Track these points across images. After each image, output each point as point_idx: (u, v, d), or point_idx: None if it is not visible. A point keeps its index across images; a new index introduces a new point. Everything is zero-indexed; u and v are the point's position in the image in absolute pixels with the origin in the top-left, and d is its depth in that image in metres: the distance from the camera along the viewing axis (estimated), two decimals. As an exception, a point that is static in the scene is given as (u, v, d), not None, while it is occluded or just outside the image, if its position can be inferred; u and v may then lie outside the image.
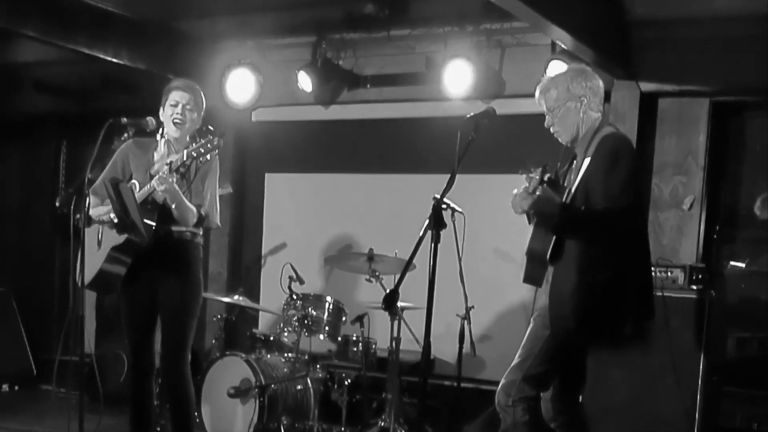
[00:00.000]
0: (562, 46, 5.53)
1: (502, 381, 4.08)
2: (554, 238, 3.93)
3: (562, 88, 4.03)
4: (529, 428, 3.99)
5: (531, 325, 4.09)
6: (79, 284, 4.54)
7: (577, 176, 3.97)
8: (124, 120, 4.63)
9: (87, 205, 4.62)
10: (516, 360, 4.06)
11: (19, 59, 7.68)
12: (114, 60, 6.37)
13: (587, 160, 3.94)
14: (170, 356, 4.79)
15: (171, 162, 4.53)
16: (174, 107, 4.73)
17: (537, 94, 4.12)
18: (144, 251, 4.63)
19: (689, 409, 5.17)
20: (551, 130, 4.10)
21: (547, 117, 4.09)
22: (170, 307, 4.76)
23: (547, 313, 3.95)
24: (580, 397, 4.19)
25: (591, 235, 3.86)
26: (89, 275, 4.67)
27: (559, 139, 4.11)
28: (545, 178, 3.84)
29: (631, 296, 3.86)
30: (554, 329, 3.92)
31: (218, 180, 4.85)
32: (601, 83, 4.11)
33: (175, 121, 4.72)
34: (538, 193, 3.82)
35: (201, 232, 4.87)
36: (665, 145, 6.10)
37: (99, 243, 4.77)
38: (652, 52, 5.94)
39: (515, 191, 3.92)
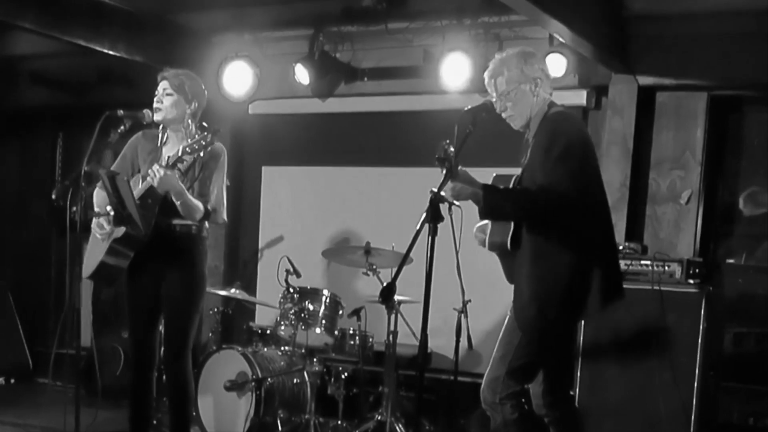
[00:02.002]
0: (560, 39, 5.53)
1: (486, 377, 4.03)
2: (512, 227, 3.90)
3: (516, 71, 3.92)
4: (519, 426, 3.94)
5: (507, 317, 4.03)
6: (78, 276, 4.54)
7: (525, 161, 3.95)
8: (121, 112, 4.63)
9: (83, 198, 4.61)
10: (496, 354, 4.01)
11: (15, 52, 7.67)
12: (111, 52, 6.36)
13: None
14: (172, 351, 4.78)
15: (168, 157, 4.55)
16: (155, 96, 4.75)
17: (487, 78, 3.99)
18: (148, 245, 4.62)
19: (686, 405, 5.16)
20: (503, 115, 4.00)
21: (498, 102, 3.97)
22: (173, 301, 4.75)
23: None
24: (571, 392, 4.15)
25: (525, 216, 3.83)
26: (92, 266, 4.67)
27: (512, 124, 4.02)
28: (443, 156, 3.73)
29: (595, 279, 3.80)
30: (518, 320, 3.89)
31: (225, 175, 4.83)
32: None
33: (154, 107, 4.73)
34: (452, 185, 3.76)
35: (207, 226, 4.86)
36: (663, 140, 6.09)
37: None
38: (651, 46, 5.94)
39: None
